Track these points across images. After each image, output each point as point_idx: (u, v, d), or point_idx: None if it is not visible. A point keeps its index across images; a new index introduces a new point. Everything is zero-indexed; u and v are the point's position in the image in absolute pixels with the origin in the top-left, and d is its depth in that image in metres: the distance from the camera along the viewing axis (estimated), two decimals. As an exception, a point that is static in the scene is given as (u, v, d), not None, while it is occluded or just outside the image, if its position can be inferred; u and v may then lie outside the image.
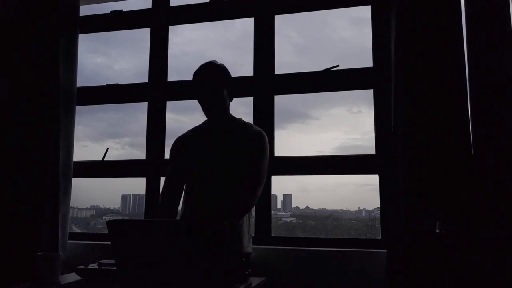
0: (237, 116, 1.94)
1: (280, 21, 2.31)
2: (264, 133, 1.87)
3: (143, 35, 2.49)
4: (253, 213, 2.13)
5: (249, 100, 2.26)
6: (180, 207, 1.92)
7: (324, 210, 2.47)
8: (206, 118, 1.90)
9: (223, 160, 1.80)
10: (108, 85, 2.51)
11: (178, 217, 1.90)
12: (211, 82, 1.81)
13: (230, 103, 1.90)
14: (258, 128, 1.89)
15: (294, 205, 2.54)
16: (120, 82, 2.50)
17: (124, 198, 2.83)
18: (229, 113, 1.90)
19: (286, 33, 2.41)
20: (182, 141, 1.96)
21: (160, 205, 1.94)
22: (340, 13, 2.30)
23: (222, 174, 1.79)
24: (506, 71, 1.79)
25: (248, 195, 1.75)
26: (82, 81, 2.49)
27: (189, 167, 1.87)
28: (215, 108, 1.84)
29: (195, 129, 1.96)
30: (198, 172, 1.84)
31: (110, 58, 2.85)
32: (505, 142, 1.75)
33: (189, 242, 1.24)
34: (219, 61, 1.89)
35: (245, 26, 2.35)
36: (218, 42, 2.58)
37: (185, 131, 2.00)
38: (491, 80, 1.80)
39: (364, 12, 2.19)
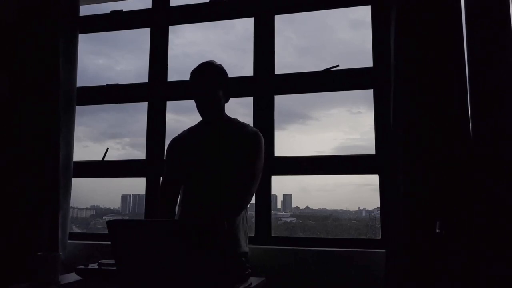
0: (237, 117, 1.94)
1: (280, 22, 2.31)
2: (260, 134, 1.87)
3: (145, 36, 2.50)
4: (252, 213, 2.14)
5: (249, 100, 2.26)
6: (177, 207, 1.91)
7: (324, 210, 2.47)
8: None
9: (219, 160, 1.81)
10: (108, 85, 2.51)
11: (176, 217, 1.90)
12: (207, 82, 1.82)
13: (227, 103, 1.90)
14: (254, 129, 1.89)
15: (294, 205, 2.54)
16: (121, 83, 2.51)
17: (124, 198, 2.83)
18: (225, 113, 1.91)
19: (286, 35, 2.41)
20: (178, 141, 1.96)
21: (158, 205, 1.95)
22: (340, 15, 2.31)
23: (218, 174, 1.79)
24: (506, 71, 1.79)
25: (242, 193, 1.75)
26: (84, 82, 2.50)
27: (186, 167, 1.87)
28: (210, 107, 1.84)
29: (191, 129, 1.97)
30: (195, 172, 1.84)
31: (112, 59, 2.85)
32: (505, 142, 1.75)
33: (188, 242, 1.24)
34: (220, 62, 1.89)
35: (246, 27, 2.36)
36: (219, 44, 2.59)
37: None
38: (491, 80, 1.80)
39: (364, 13, 2.19)
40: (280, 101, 2.26)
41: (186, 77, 1.87)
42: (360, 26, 2.25)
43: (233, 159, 1.79)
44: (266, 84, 2.25)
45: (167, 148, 1.98)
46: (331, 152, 2.22)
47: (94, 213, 2.91)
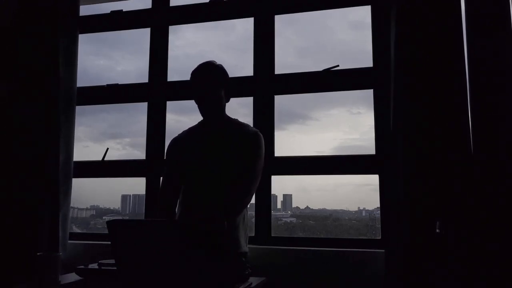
0: (237, 117, 1.94)
1: (280, 23, 2.31)
2: (260, 134, 1.87)
3: (145, 36, 2.50)
4: (252, 213, 2.14)
5: (249, 100, 2.26)
6: (177, 207, 1.91)
7: (324, 210, 2.47)
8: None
9: (219, 160, 1.80)
10: (108, 85, 2.51)
11: (176, 217, 1.90)
12: (209, 82, 1.82)
13: (228, 103, 1.90)
14: (254, 129, 1.89)
15: (294, 205, 2.54)
16: (121, 83, 2.51)
17: (124, 198, 2.83)
18: (225, 113, 1.90)
19: (287, 35, 2.41)
20: (178, 142, 1.96)
21: (158, 205, 1.94)
22: (340, 15, 2.31)
23: (218, 174, 1.79)
24: (506, 71, 1.79)
25: (242, 193, 1.75)
26: (85, 82, 2.50)
27: (186, 167, 1.87)
28: (212, 108, 1.84)
29: (191, 129, 1.97)
30: (195, 172, 1.84)
31: (113, 60, 2.85)
32: (504, 142, 1.75)
33: (188, 242, 1.24)
34: (220, 63, 1.89)
35: (246, 27, 2.36)
36: (219, 44, 2.59)
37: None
38: (491, 80, 1.80)
39: (364, 14, 2.19)
40: (280, 101, 2.26)
41: (187, 77, 1.87)
42: (360, 26, 2.26)
43: (233, 159, 1.79)
44: (266, 84, 2.25)
45: (167, 148, 1.98)
46: (331, 152, 2.22)
47: (94, 213, 2.91)
